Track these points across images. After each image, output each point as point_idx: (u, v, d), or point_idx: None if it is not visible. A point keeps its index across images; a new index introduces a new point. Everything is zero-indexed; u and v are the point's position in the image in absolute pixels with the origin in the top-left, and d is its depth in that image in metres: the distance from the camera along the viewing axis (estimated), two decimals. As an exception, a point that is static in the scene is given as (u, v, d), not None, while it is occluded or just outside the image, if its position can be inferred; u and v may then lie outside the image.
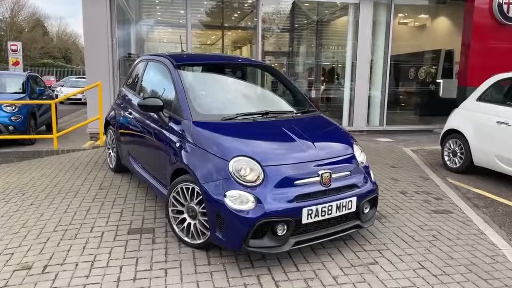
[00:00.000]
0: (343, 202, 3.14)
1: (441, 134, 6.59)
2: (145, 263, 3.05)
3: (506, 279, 2.97)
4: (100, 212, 4.02)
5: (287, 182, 2.99)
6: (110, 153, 5.42)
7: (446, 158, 6.42)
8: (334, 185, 3.15)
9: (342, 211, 3.15)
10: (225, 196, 2.91)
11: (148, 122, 4.03)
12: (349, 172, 3.30)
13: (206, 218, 3.11)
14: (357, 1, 9.49)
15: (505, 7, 9.36)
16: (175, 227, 3.40)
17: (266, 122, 3.57)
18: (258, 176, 2.95)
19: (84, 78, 26.85)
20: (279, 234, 2.92)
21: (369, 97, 9.97)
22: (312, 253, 3.26)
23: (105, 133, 5.58)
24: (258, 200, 2.87)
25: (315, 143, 3.32)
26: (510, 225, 4.13)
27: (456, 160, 6.20)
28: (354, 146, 3.57)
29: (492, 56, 9.58)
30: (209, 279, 2.85)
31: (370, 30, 9.64)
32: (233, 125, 3.43)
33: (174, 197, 3.35)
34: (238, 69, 4.59)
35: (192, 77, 3.93)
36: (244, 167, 2.97)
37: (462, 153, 6.08)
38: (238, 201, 2.88)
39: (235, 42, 17.37)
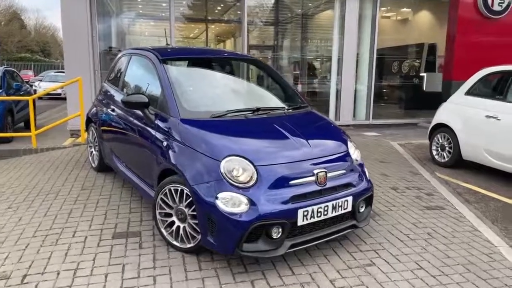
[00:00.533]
0: (339, 202, 3.03)
1: (429, 128, 6.55)
2: (132, 270, 2.88)
3: (505, 279, 2.91)
4: (83, 215, 3.82)
5: (281, 182, 2.85)
6: (92, 151, 5.19)
7: (434, 152, 6.39)
8: (329, 184, 3.03)
9: (338, 211, 3.04)
10: (216, 198, 2.76)
11: (132, 119, 3.83)
12: (344, 171, 3.19)
13: (197, 221, 2.97)
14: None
15: (489, 0, 9.38)
16: (163, 230, 3.23)
17: (258, 119, 3.42)
18: (251, 177, 2.81)
19: (64, 72, 26.17)
20: (274, 237, 2.79)
21: (355, 91, 9.92)
22: (307, 255, 3.15)
23: (87, 130, 5.34)
24: (251, 202, 2.73)
25: (309, 141, 3.19)
26: (503, 220, 4.10)
27: (445, 154, 6.18)
28: (349, 143, 3.46)
29: (477, 50, 9.61)
30: (200, 286, 2.71)
31: (357, 23, 9.56)
32: (223, 123, 3.27)
33: (161, 199, 3.18)
34: (226, 63, 4.42)
35: (178, 72, 3.74)
36: (237, 168, 2.82)
37: (450, 147, 6.06)
38: (231, 203, 2.74)
39: (218, 35, 17.10)
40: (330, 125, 3.72)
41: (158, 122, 3.41)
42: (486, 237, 3.60)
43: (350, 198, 3.10)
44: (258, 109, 3.53)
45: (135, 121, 3.75)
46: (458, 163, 5.98)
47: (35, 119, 7.78)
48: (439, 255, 3.23)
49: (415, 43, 15.08)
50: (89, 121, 5.16)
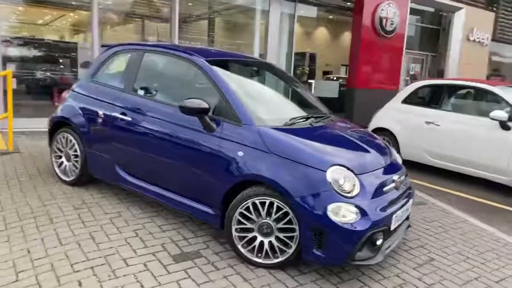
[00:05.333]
0: (407, 205, 3.27)
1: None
2: (236, 295, 2.62)
3: (528, 258, 3.57)
4: (112, 240, 3.23)
5: (378, 189, 2.95)
6: (62, 162, 4.33)
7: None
8: (401, 189, 3.25)
9: (406, 213, 3.28)
10: (327, 209, 2.70)
11: (171, 127, 3.36)
12: (404, 176, 3.44)
13: (288, 235, 2.85)
14: (266, 8, 9.76)
15: (384, 21, 10.87)
16: (239, 247, 3.00)
17: (323, 127, 3.43)
18: (354, 186, 2.84)
19: None
20: (378, 244, 2.87)
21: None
22: (377, 257, 3.29)
23: (51, 136, 4.43)
24: (361, 211, 2.75)
25: (374, 148, 3.35)
26: (474, 211, 4.86)
27: (384, 155, 6.99)
28: (392, 149, 3.73)
29: (374, 62, 11.06)
30: (321, 301, 2.63)
31: (278, 34, 10.03)
32: (302, 131, 3.19)
33: (241, 213, 2.94)
34: (260, 68, 4.24)
35: (229, 76, 3.45)
36: (341, 177, 2.81)
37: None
38: (342, 213, 2.72)
39: (75, 25, 15.48)
40: (370, 133, 3.93)
41: (223, 130, 3.11)
42: (481, 227, 4.29)
43: (411, 201, 3.38)
44: (311, 117, 3.53)
45: (179, 130, 3.31)
46: (396, 163, 6.83)
47: None
48: (468, 244, 3.75)
49: (300, 51, 16.53)
50: (60, 125, 4.30)
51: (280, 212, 2.86)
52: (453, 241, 3.81)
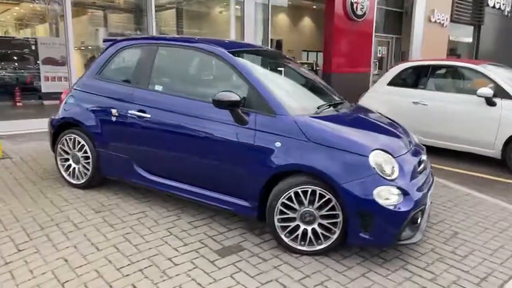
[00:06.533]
0: (433, 184, 3.41)
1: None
2: (294, 283, 2.65)
3: (537, 225, 3.84)
4: (147, 241, 3.15)
5: (414, 170, 3.06)
6: (70, 164, 4.13)
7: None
8: (428, 169, 3.38)
9: (432, 191, 3.42)
10: (372, 193, 2.78)
11: (199, 122, 3.30)
12: (426, 155, 3.58)
13: (332, 221, 2.91)
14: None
15: (354, 5, 11.09)
16: (283, 237, 3.02)
17: (349, 114, 3.49)
18: (394, 168, 2.92)
19: None
20: (418, 222, 2.98)
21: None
22: (407, 235, 3.42)
23: (56, 138, 4.20)
24: (404, 192, 2.85)
25: (400, 132, 3.46)
26: (472, 185, 5.11)
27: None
28: (409, 131, 3.85)
29: (347, 46, 11.28)
30: (369, 282, 2.71)
31: (254, 21, 9.97)
32: (335, 118, 3.24)
33: (283, 203, 2.96)
34: (275, 58, 4.20)
35: (253, 67, 3.41)
36: (383, 161, 2.89)
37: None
38: (387, 196, 2.80)
39: (21, 19, 14.68)
40: (388, 116, 4.03)
41: (257, 122, 3.09)
42: (483, 198, 4.54)
43: (434, 180, 3.52)
44: (333, 104, 3.58)
45: (207, 124, 3.26)
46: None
47: None
48: (480, 215, 3.97)
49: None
50: (65, 126, 4.10)
51: (323, 200, 2.90)
52: (466, 214, 4.02)
